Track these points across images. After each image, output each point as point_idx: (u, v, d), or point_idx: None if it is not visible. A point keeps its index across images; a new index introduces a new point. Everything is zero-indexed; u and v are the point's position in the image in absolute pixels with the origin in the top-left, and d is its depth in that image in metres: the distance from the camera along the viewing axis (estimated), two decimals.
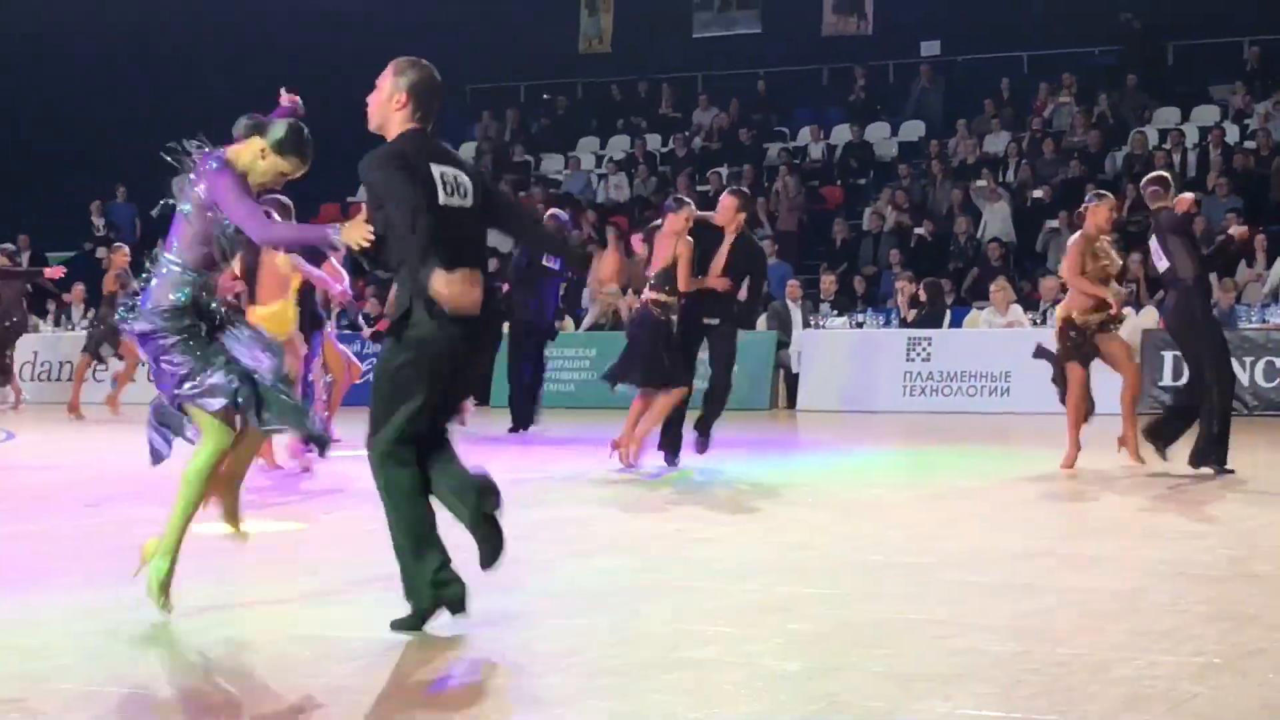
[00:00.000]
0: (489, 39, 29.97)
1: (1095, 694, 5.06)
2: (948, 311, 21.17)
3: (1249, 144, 24.41)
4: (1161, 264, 11.87)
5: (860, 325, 21.01)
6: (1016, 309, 20.14)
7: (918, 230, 24.08)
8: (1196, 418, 11.71)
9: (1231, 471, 11.53)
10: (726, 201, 12.90)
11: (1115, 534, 8.98)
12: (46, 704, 5.09)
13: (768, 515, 9.99)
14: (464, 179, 6.23)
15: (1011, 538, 8.78)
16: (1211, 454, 11.57)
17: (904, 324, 20.88)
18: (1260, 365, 18.57)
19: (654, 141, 29.20)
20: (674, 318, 12.27)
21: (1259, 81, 25.83)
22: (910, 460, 14.41)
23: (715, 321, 12.44)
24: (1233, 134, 24.85)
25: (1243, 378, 18.36)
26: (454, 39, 29.94)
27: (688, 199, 13.25)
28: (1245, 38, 26.45)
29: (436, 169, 6.13)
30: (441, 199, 6.08)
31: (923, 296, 20.98)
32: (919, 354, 20.10)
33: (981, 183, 24.41)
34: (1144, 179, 12.60)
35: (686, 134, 28.80)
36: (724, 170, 26.88)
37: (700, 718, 4.87)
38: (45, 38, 30.51)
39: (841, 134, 27.91)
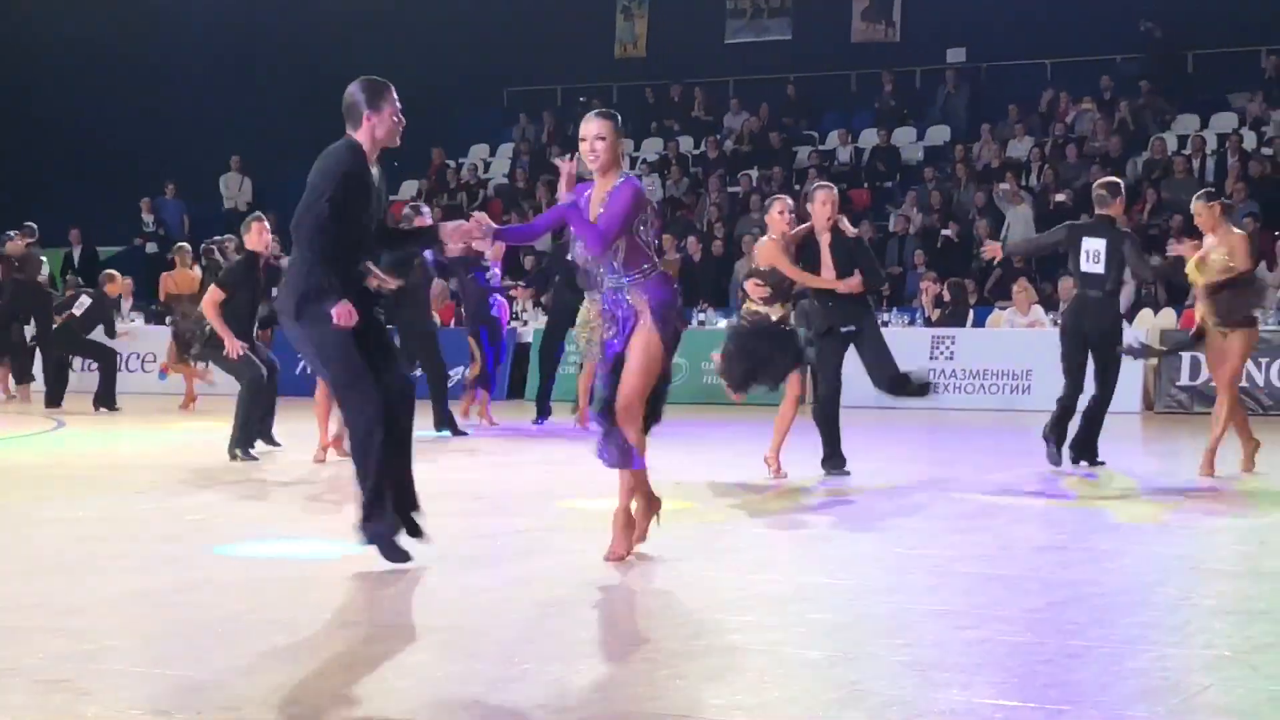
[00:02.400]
0: (527, 43, 30.44)
1: (1108, 685, 5.09)
2: (970, 311, 21.56)
3: (1265, 150, 24.74)
4: (1096, 267, 11.91)
5: (885, 324, 21.29)
6: (1037, 309, 20.46)
7: (943, 232, 24.52)
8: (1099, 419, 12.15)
9: (1103, 463, 12.01)
10: (820, 197, 11.61)
11: (1129, 530, 9.00)
12: (94, 684, 5.05)
13: (788, 508, 9.98)
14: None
15: (1028, 532, 8.84)
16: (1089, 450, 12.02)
17: (928, 323, 21.23)
18: (1275, 366, 18.89)
19: (686, 144, 29.52)
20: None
21: (1276, 90, 26.17)
22: (932, 455, 14.44)
23: (853, 328, 11.58)
24: (1250, 140, 25.16)
25: (1258, 378, 18.70)
26: (492, 43, 30.56)
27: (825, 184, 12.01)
28: (1263, 47, 26.75)
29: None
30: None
31: (946, 296, 21.38)
32: (942, 352, 20.44)
33: (1005, 186, 24.87)
34: (1098, 181, 12.55)
35: (718, 137, 29.08)
36: (754, 173, 27.42)
37: (723, 704, 4.86)
38: (96, 38, 30.80)
39: (869, 138, 28.24)
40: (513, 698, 5.02)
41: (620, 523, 7.64)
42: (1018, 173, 25.58)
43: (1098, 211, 12.05)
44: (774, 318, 11.30)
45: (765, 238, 11.61)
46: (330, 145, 7.29)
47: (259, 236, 12.93)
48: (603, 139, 7.56)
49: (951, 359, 20.40)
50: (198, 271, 21.14)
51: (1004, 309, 21.20)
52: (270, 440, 13.61)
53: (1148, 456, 12.64)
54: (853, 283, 11.36)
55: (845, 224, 11.71)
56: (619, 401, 7.48)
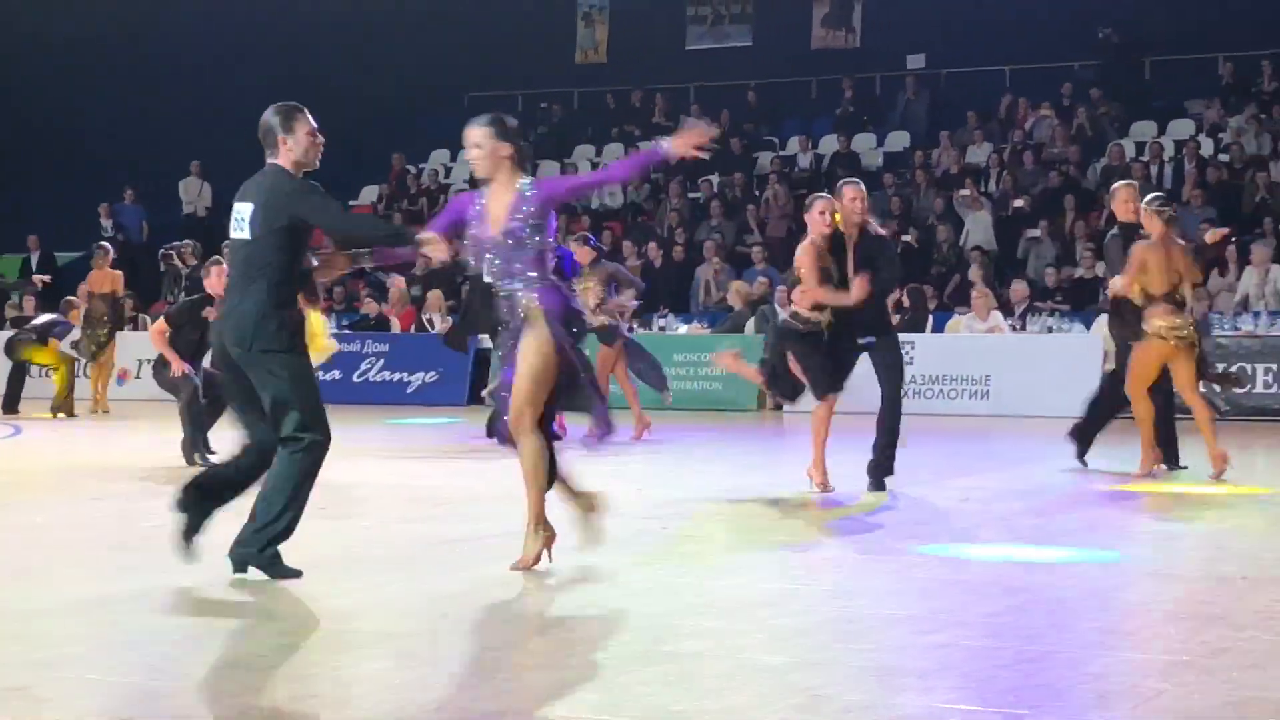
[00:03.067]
0: (488, 49, 30.40)
1: (1066, 690, 5.14)
2: (930, 317, 21.64)
3: (1223, 157, 24.87)
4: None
5: None
6: (996, 315, 20.54)
7: (903, 238, 24.57)
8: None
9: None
10: (849, 194, 11.03)
11: (1088, 535, 9.00)
12: (52, 692, 5.06)
13: (753, 514, 10.03)
14: (245, 213, 7.20)
15: (988, 537, 8.86)
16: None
17: None
18: (1233, 371, 19.11)
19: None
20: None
21: (1233, 96, 26.33)
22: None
23: (871, 339, 11.07)
24: (1207, 147, 25.30)
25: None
26: (453, 49, 30.53)
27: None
28: (1220, 54, 26.93)
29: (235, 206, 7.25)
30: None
31: (906, 302, 21.49)
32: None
33: (965, 192, 25.00)
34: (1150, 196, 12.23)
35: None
36: (714, 178, 27.48)
37: (685, 709, 4.89)
38: (55, 41, 30.69)
39: (829, 144, 28.28)
40: (472, 704, 5.02)
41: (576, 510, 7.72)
42: (976, 179, 25.71)
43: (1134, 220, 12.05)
44: (824, 324, 10.92)
45: (806, 240, 11.03)
46: (260, 175, 7.33)
47: (218, 280, 12.96)
48: (478, 147, 7.56)
49: (911, 364, 20.43)
50: (118, 271, 21.43)
51: (963, 314, 21.26)
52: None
53: (1107, 460, 12.68)
54: (856, 293, 10.62)
55: (874, 223, 11.33)
56: (510, 413, 7.41)
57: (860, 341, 11.01)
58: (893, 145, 28.40)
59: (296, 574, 7.15)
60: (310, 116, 7.37)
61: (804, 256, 10.81)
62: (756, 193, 26.89)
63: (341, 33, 30.20)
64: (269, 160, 7.31)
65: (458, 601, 6.78)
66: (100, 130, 30.39)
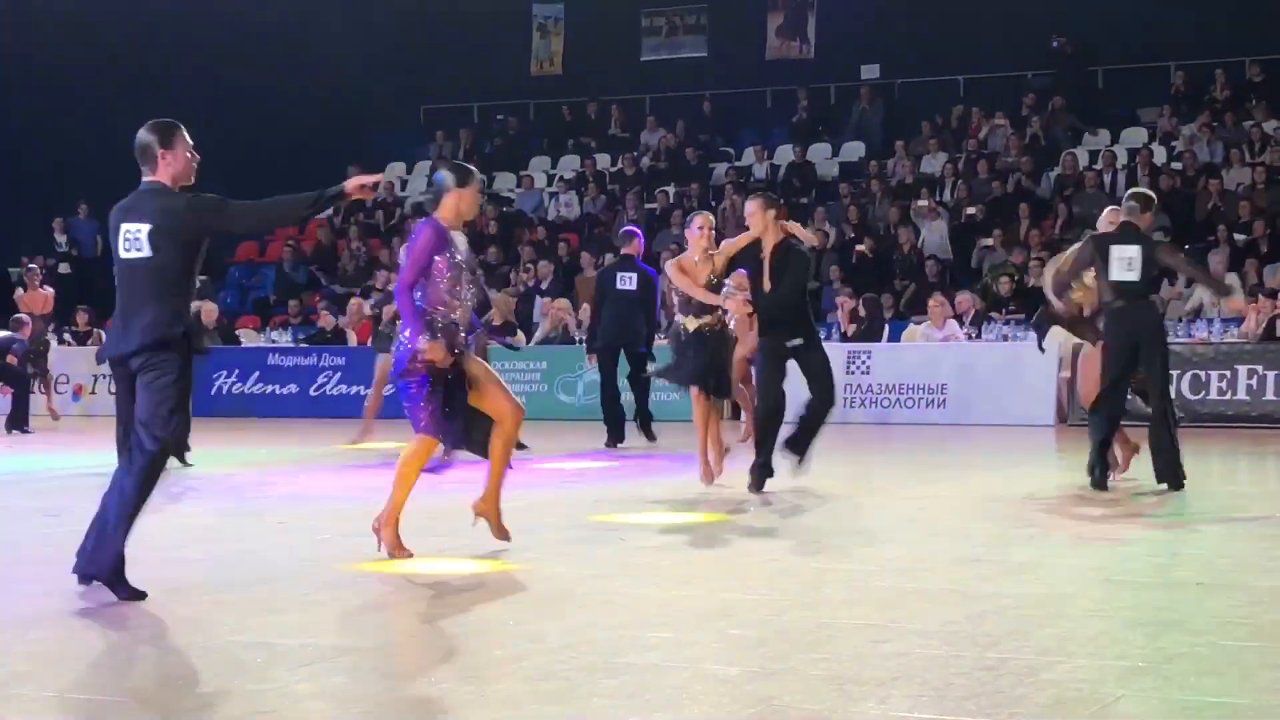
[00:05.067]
0: (443, 61, 30.38)
1: (1023, 696, 5.15)
2: (886, 326, 21.67)
3: (1175, 165, 25.03)
4: (1130, 274, 11.63)
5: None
6: (952, 324, 20.64)
7: (858, 247, 24.66)
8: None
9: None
10: (751, 207, 11.72)
11: (1045, 542, 9.04)
12: (3, 710, 5.02)
13: (708, 524, 10.00)
14: (142, 232, 7.20)
15: (945, 545, 8.88)
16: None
17: (844, 338, 21.26)
18: (1186, 379, 19.03)
19: (603, 161, 29.59)
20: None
21: (1185, 105, 26.53)
22: (848, 471, 14.36)
23: (798, 341, 11.56)
24: (1160, 155, 25.48)
25: (1169, 391, 18.94)
26: (408, 60, 30.50)
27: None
28: (1172, 63, 27.16)
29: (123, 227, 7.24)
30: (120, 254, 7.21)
31: (862, 312, 21.56)
32: (859, 367, 20.53)
33: (922, 203, 25.07)
34: (1132, 191, 12.43)
35: (635, 154, 29.18)
36: (671, 189, 27.53)
37: None
38: (5, 55, 30.67)
39: (785, 154, 28.35)
40: (428, 718, 5.02)
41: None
42: (931, 188, 25.81)
43: (1125, 219, 11.84)
44: (689, 328, 11.94)
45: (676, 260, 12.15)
46: (144, 194, 7.35)
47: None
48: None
49: (867, 374, 20.52)
50: (49, 290, 21.45)
51: (919, 324, 21.31)
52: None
53: (1062, 469, 12.75)
54: (722, 299, 11.55)
55: (801, 231, 11.82)
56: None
57: (789, 345, 11.48)
58: (848, 155, 28.50)
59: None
60: (187, 134, 7.46)
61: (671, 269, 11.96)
62: (713, 203, 26.90)
63: (296, 44, 30.07)
64: (147, 177, 7.36)
65: (412, 615, 6.75)
66: (54, 144, 30.17)
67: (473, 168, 8.54)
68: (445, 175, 8.39)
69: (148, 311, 7.13)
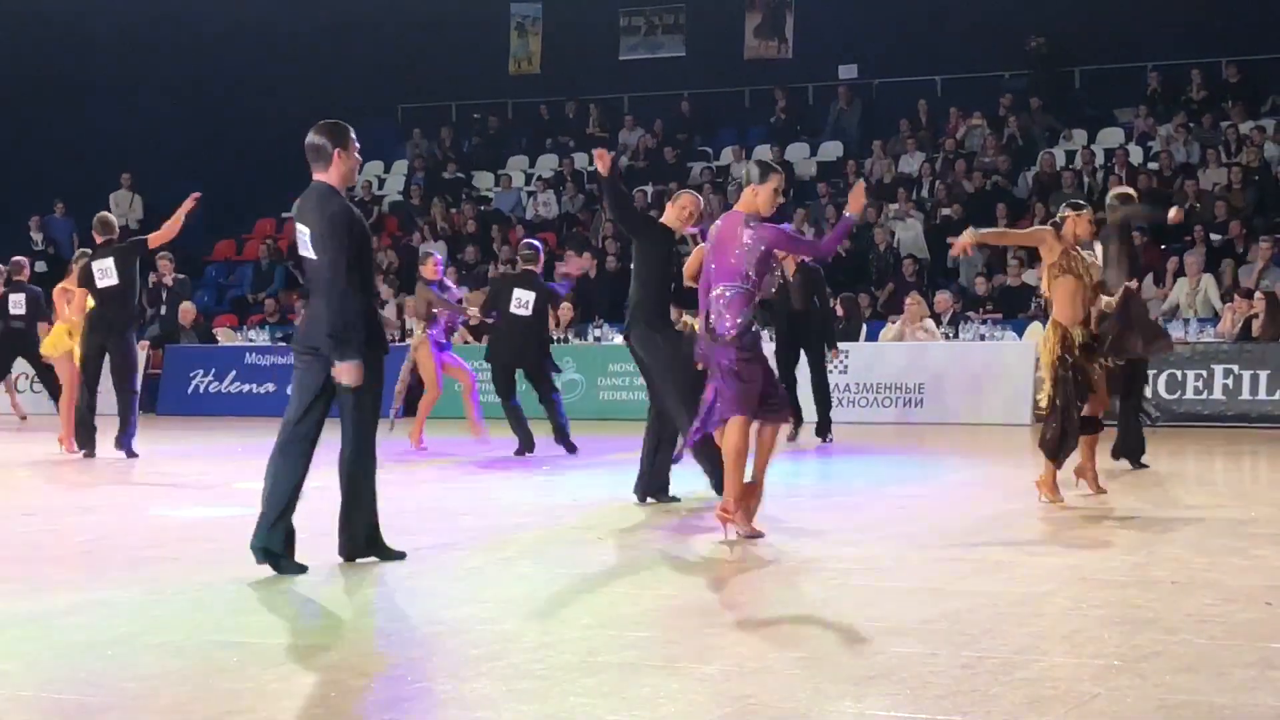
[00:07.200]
0: (421, 59, 30.42)
1: (999, 695, 5.17)
2: (864, 325, 21.72)
3: (1152, 165, 25.11)
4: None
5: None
6: (929, 323, 20.68)
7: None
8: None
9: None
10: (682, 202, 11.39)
11: (1021, 540, 9.07)
12: None
13: (685, 522, 10.03)
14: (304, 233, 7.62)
15: (921, 543, 8.89)
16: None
17: None
18: (1163, 378, 19.12)
19: (581, 160, 29.48)
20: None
21: (1161, 105, 26.62)
22: (826, 469, 14.59)
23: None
24: (1136, 155, 25.55)
25: (1146, 390, 19.01)
26: (387, 60, 30.49)
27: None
28: (1149, 63, 27.21)
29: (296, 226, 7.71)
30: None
31: (840, 311, 21.58)
32: (836, 366, 20.58)
33: (896, 205, 25.09)
34: (1116, 190, 12.54)
35: (613, 153, 29.24)
36: (649, 188, 27.53)
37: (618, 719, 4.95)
38: None
39: (762, 154, 28.11)
40: (405, 717, 5.04)
41: None
42: (909, 188, 25.85)
43: (1100, 215, 11.86)
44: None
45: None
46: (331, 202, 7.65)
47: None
48: None
49: (845, 373, 20.53)
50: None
51: (895, 323, 21.32)
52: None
53: (1039, 468, 12.74)
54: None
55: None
56: None
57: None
58: (826, 155, 28.54)
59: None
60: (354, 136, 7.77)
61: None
62: None
63: (273, 43, 30.05)
64: (318, 176, 7.66)
65: (388, 616, 6.76)
66: (30, 142, 30.12)
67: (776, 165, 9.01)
68: (750, 169, 9.22)
69: (319, 306, 7.57)
